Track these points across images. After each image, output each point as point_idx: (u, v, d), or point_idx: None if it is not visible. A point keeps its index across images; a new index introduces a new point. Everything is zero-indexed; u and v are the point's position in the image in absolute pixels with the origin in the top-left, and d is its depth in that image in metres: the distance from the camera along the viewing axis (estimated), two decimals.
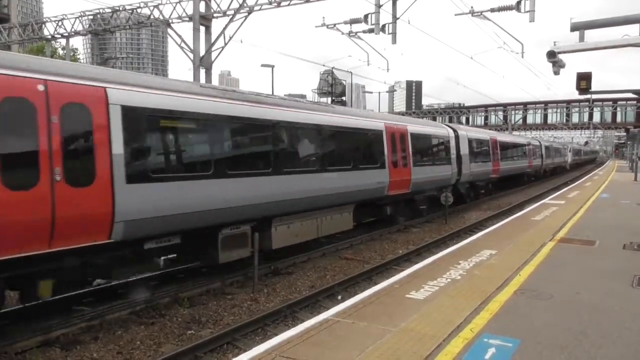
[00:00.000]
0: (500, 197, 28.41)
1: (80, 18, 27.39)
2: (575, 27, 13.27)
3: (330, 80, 35.58)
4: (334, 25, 21.28)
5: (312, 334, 5.63)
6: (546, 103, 75.76)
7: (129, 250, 8.23)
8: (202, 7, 21.78)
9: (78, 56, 49.32)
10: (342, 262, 12.42)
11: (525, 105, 75.47)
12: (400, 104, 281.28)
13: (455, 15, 20.17)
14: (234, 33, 21.80)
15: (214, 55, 22.05)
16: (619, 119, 74.91)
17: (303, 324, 6.08)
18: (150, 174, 8.00)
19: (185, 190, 8.52)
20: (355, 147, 13.88)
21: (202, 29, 22.06)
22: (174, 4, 22.68)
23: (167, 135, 8.63)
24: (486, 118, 79.78)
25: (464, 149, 21.87)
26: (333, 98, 35.40)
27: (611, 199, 20.68)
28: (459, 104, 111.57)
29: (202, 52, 21.81)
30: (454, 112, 76.89)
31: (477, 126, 66.45)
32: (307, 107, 12.39)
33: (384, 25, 19.44)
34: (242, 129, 10.07)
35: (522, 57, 23.95)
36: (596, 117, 74.75)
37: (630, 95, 44.12)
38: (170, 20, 22.97)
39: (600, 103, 70.26)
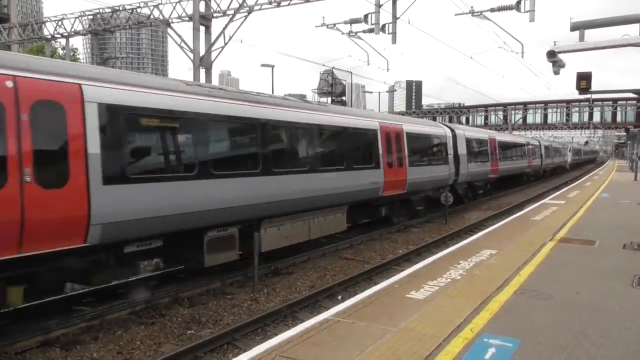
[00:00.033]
0: (500, 197, 28.41)
1: (80, 18, 27.41)
2: (575, 27, 13.27)
3: (330, 80, 35.60)
4: (334, 25, 21.27)
5: (312, 334, 5.63)
6: (546, 103, 75.75)
7: (108, 255, 7.97)
8: (202, 7, 21.79)
9: (78, 56, 49.34)
10: (342, 262, 12.42)
11: (525, 105, 75.46)
12: (400, 104, 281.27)
13: (455, 15, 20.18)
14: (234, 33, 21.82)
15: (213, 55, 22.05)
16: (619, 118, 74.89)
17: (303, 324, 6.08)
18: (130, 175, 7.70)
19: (167, 191, 8.23)
20: (348, 147, 13.53)
21: (202, 28, 22.07)
22: (174, 4, 22.70)
23: (148, 135, 8.35)
24: (486, 118, 79.74)
25: (462, 149, 21.64)
26: (333, 98, 35.41)
27: (611, 199, 20.67)
28: (459, 104, 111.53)
29: (202, 52, 21.82)
30: (454, 112, 76.87)
31: (477, 126, 66.48)
32: (297, 106, 12.08)
33: (384, 25, 19.43)
34: (228, 128, 9.80)
35: (522, 57, 23.96)
36: (596, 117, 74.72)
37: (630, 95, 44.10)
38: (170, 20, 22.98)
39: (600, 103, 70.23)
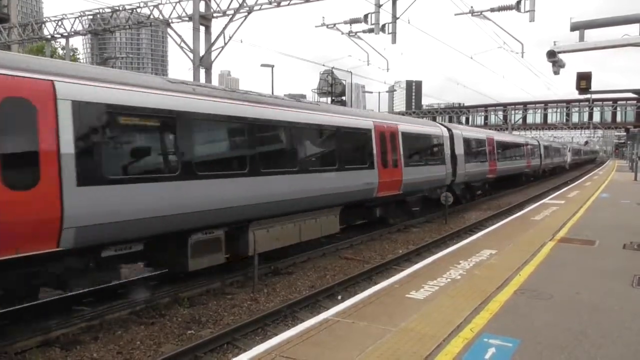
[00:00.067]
0: (499, 197, 28.41)
1: (80, 18, 27.40)
2: (575, 27, 13.28)
3: (330, 80, 35.61)
4: (334, 25, 21.28)
5: (312, 334, 5.63)
6: (546, 103, 75.77)
7: (84, 259, 7.65)
8: (201, 7, 21.79)
9: (78, 56, 49.33)
10: (342, 262, 12.42)
11: (525, 105, 75.46)
12: (400, 104, 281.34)
13: (455, 15, 20.19)
14: (234, 33, 21.81)
15: (213, 55, 22.06)
16: (619, 118, 74.90)
17: (303, 324, 6.08)
18: (107, 176, 7.35)
19: (147, 193, 7.89)
20: (340, 147, 13.19)
21: (202, 28, 22.07)
22: (174, 4, 22.70)
23: (127, 134, 7.96)
24: (486, 118, 79.74)
25: (459, 149, 21.42)
26: (333, 98, 35.43)
27: (611, 199, 20.67)
28: (459, 103, 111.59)
29: (202, 52, 21.82)
30: (454, 112, 76.87)
31: (477, 126, 66.46)
32: (287, 104, 11.73)
33: (383, 25, 19.44)
34: (212, 127, 9.49)
35: (522, 57, 23.98)
36: (596, 117, 74.73)
37: (630, 95, 44.12)
38: (170, 20, 22.98)
39: (600, 103, 70.23)
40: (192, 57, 21.78)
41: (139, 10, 25.05)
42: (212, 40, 22.03)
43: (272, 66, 35.24)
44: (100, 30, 27.41)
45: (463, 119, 78.62)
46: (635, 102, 67.02)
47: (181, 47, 22.16)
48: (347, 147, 13.54)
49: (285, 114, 11.22)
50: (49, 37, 29.60)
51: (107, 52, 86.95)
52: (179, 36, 22.28)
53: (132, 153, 8.07)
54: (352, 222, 15.51)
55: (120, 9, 25.52)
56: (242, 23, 21.39)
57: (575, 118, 74.83)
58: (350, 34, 21.09)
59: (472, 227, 17.28)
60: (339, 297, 9.39)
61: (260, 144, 10.51)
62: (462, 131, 22.91)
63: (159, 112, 8.24)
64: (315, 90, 37.24)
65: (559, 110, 75.05)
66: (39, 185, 6.50)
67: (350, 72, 37.02)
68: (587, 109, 70.91)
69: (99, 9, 26.15)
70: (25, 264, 6.62)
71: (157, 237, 8.42)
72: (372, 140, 14.57)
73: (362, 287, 9.72)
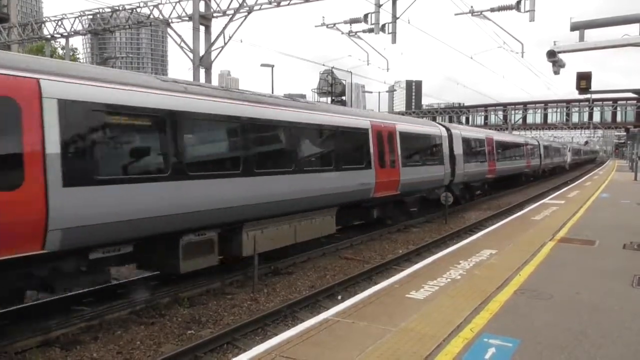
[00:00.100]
0: (499, 197, 28.41)
1: (79, 18, 27.42)
2: (575, 27, 13.28)
3: (330, 80, 35.63)
4: (334, 25, 21.29)
5: (312, 334, 5.63)
6: (546, 103, 75.78)
7: (71, 261, 7.43)
8: (201, 7, 21.79)
9: (78, 56, 49.35)
10: (342, 262, 12.42)
11: (525, 105, 75.47)
12: (400, 104, 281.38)
13: (455, 15, 20.20)
14: (234, 33, 21.81)
15: (213, 54, 22.06)
16: (619, 118, 74.90)
17: (303, 324, 6.08)
18: (94, 176, 7.15)
19: (136, 193, 7.70)
20: (336, 146, 12.99)
21: (202, 28, 22.08)
22: (174, 4, 22.71)
23: (115, 133, 7.76)
24: (486, 118, 79.75)
25: (458, 149, 21.27)
26: (333, 98, 35.45)
27: (611, 199, 20.68)
28: (459, 103, 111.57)
29: (202, 51, 21.82)
30: (454, 112, 76.88)
31: (477, 126, 66.48)
32: (282, 103, 11.52)
33: (383, 25, 19.44)
34: (204, 126, 9.29)
35: (522, 56, 23.98)
36: (596, 117, 74.74)
37: (630, 94, 44.13)
38: (170, 20, 22.99)
39: (600, 103, 70.23)
40: (192, 57, 21.78)
41: (139, 10, 25.06)
42: (212, 40, 22.03)
43: (272, 66, 35.25)
44: (100, 30, 27.43)
45: (463, 118, 78.63)
46: (635, 102, 67.04)
47: (181, 47, 22.17)
48: (344, 146, 13.35)
49: (280, 113, 11.05)
50: (49, 37, 29.61)
51: (107, 52, 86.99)
52: (179, 36, 22.31)
53: (120, 153, 7.88)
54: (349, 222, 15.29)
55: (120, 8, 25.53)
56: (242, 23, 21.40)
57: (575, 118, 74.84)
58: (350, 34, 21.10)
59: (472, 227, 17.28)
60: (339, 297, 9.39)
61: (254, 143, 10.31)
62: (461, 131, 22.78)
63: (149, 111, 8.07)
64: (315, 90, 37.26)
65: (559, 110, 75.07)
66: (23, 185, 6.33)
67: (350, 72, 37.04)
68: (587, 109, 70.93)
69: (98, 8, 26.19)
70: (8, 267, 6.43)
71: (147, 238, 8.23)
72: (369, 140, 14.39)
73: (362, 287, 9.72)
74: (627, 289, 7.40)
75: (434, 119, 61.32)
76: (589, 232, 12.21)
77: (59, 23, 28.23)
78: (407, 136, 16.70)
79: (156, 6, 23.54)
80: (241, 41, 33.06)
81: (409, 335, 5.51)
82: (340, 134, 13.16)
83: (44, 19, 31.01)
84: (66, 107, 6.83)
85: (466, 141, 22.54)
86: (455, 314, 6.20)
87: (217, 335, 7.35)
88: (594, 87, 15.90)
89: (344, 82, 37.95)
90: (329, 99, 35.28)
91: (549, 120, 78.15)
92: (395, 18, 19.18)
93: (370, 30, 19.95)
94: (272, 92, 30.11)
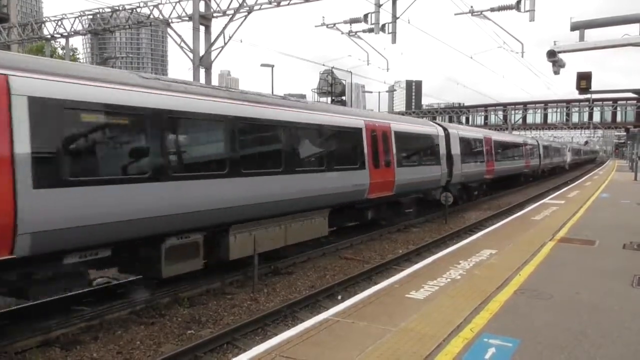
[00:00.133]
0: (499, 197, 28.41)
1: (79, 18, 27.43)
2: (575, 27, 13.28)
3: (330, 80, 35.65)
4: (334, 24, 21.28)
5: (312, 333, 5.63)
6: (546, 103, 75.79)
7: (45, 266, 7.07)
8: (201, 7, 21.80)
9: (78, 56, 49.35)
10: (342, 262, 12.42)
11: (525, 105, 75.48)
12: (400, 104, 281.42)
13: (455, 14, 20.19)
14: (234, 33, 21.82)
15: (213, 54, 22.06)
16: (619, 118, 74.91)
17: (303, 324, 6.08)
18: (68, 177, 6.79)
19: (113, 195, 7.36)
20: (328, 146, 12.66)
21: (202, 28, 22.08)
22: (174, 4, 22.72)
23: (91, 132, 7.41)
24: (486, 118, 79.76)
25: (455, 149, 21.02)
26: (333, 98, 35.47)
27: (611, 199, 20.68)
28: (459, 103, 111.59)
29: (202, 51, 21.83)
30: (454, 112, 76.90)
31: (477, 126, 66.48)
32: (272, 102, 11.16)
33: (383, 25, 19.43)
34: (188, 125, 8.89)
35: (522, 56, 23.97)
36: (596, 117, 74.74)
37: (630, 94, 44.13)
38: (169, 20, 22.99)
39: (600, 103, 70.24)
40: (192, 57, 21.78)
41: (138, 10, 25.07)
42: (212, 40, 22.04)
43: (272, 66, 35.24)
44: (100, 30, 27.43)
45: (463, 118, 78.64)
46: (635, 102, 67.05)
47: (181, 47, 22.17)
48: (335, 146, 13.05)
49: (269, 111, 10.73)
50: (49, 37, 29.62)
51: (107, 52, 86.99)
52: (179, 36, 22.32)
53: (96, 153, 7.53)
54: (343, 224, 14.93)
55: (120, 8, 25.54)
56: (242, 23, 21.41)
57: (575, 118, 74.85)
58: (350, 34, 21.10)
59: (472, 227, 17.28)
60: (339, 297, 9.39)
61: (241, 143, 9.96)
62: (459, 130, 22.55)
63: (128, 110, 7.73)
64: (315, 90, 37.29)
65: (559, 110, 75.07)
66: None
67: (350, 72, 37.03)
68: (587, 108, 70.94)
69: (98, 8, 26.20)
70: None
71: (127, 241, 7.93)
72: (362, 139, 14.07)
73: (362, 287, 9.72)
74: (627, 289, 7.40)
75: (434, 119, 61.29)
76: (589, 232, 12.21)
77: (59, 23, 28.25)
78: (402, 136, 16.38)
79: (156, 6, 23.56)
80: (241, 41, 33.08)
81: (409, 335, 5.51)
82: (331, 134, 12.86)
83: (44, 19, 31.02)
84: (37, 104, 6.49)
85: (464, 141, 22.31)
86: (455, 314, 6.20)
87: (217, 335, 7.35)
88: (594, 87, 15.90)
89: (344, 82, 37.98)
90: (329, 99, 35.30)
91: (549, 120, 78.17)
92: (395, 18, 19.18)
93: (370, 30, 19.95)
94: (272, 92, 30.10)
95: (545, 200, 21.21)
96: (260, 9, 20.99)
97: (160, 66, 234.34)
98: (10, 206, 6.17)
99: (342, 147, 13.42)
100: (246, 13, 21.13)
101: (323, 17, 21.51)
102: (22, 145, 6.31)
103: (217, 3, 21.70)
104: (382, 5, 19.14)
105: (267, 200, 10.35)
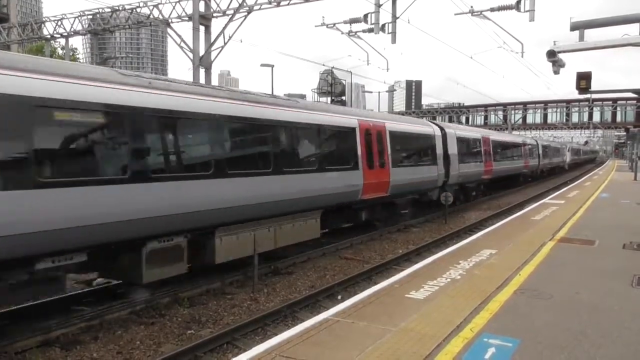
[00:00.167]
0: (499, 197, 28.42)
1: (79, 18, 27.41)
2: (575, 27, 13.29)
3: (330, 79, 35.67)
4: (334, 24, 21.29)
5: (312, 333, 5.63)
6: (546, 103, 75.82)
7: (14, 272, 6.74)
8: (201, 7, 21.79)
9: (77, 56, 49.34)
10: (342, 262, 12.42)
11: (525, 105, 75.50)
12: (400, 104, 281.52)
13: (455, 14, 20.20)
14: (234, 33, 21.81)
15: (213, 54, 22.06)
16: (618, 118, 74.95)
17: (303, 324, 6.08)
18: (36, 178, 6.46)
19: (86, 197, 7.00)
20: (320, 146, 12.42)
21: (202, 28, 22.07)
22: (174, 4, 22.71)
23: (60, 131, 7.02)
24: (486, 118, 79.79)
25: (452, 149, 20.83)
26: (333, 98, 35.48)
27: (611, 199, 20.69)
28: (459, 103, 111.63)
29: (202, 51, 21.82)
30: (454, 112, 76.92)
31: (477, 126, 66.46)
32: (261, 101, 10.83)
33: (383, 25, 19.42)
34: (171, 123, 8.54)
35: (522, 56, 23.98)
36: (596, 117, 74.79)
37: (630, 94, 44.16)
38: (169, 20, 22.98)
39: (600, 103, 70.30)
40: (191, 57, 21.78)
41: (138, 10, 25.06)
42: (212, 40, 22.03)
43: (272, 66, 35.26)
44: (99, 30, 27.43)
45: (463, 118, 78.68)
46: (635, 102, 67.08)
47: (181, 47, 22.17)
48: (328, 146, 12.83)
49: (255, 110, 10.39)
50: (49, 37, 29.60)
51: (107, 52, 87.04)
52: (179, 36, 22.31)
53: (66, 153, 7.14)
54: (336, 225, 14.56)
55: (120, 8, 25.53)
56: (241, 23, 21.40)
57: (575, 118, 74.90)
58: (350, 34, 21.10)
59: (472, 227, 17.28)
60: (339, 297, 9.39)
61: (228, 142, 9.75)
62: (456, 130, 22.40)
63: (105, 107, 7.41)
64: (315, 90, 37.31)
65: (558, 110, 75.12)
66: None
67: (350, 72, 37.04)
68: (587, 108, 70.98)
69: (98, 8, 26.19)
70: None
71: (105, 245, 7.63)
72: (356, 139, 13.75)
73: (362, 287, 9.72)
74: (627, 289, 7.40)
75: (434, 119, 61.26)
76: (589, 232, 12.21)
77: (59, 23, 28.24)
78: (397, 135, 16.14)
79: (156, 6, 23.55)
80: (241, 41, 33.02)
81: (408, 335, 5.51)
82: (323, 133, 12.63)
83: (44, 19, 30.99)
84: (3, 102, 6.17)
85: (461, 141, 22.15)
86: (455, 313, 6.21)
87: (217, 335, 7.35)
88: (593, 87, 15.92)
89: (343, 82, 38.01)
90: (329, 98, 35.32)
91: (548, 120, 78.22)
92: (395, 18, 19.18)
93: (370, 30, 19.95)
94: (272, 92, 30.08)
95: (545, 200, 21.22)
96: (260, 9, 21.00)
97: (160, 66, 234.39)
98: None
99: (335, 146, 13.23)
100: (246, 13, 21.13)
101: (323, 17, 21.55)
102: None
103: (217, 3, 21.71)
104: (382, 5, 19.14)
105: (255, 201, 10.05)
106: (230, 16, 21.33)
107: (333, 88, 35.64)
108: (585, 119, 74.10)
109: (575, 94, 19.67)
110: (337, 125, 13.21)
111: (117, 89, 7.65)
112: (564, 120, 75.29)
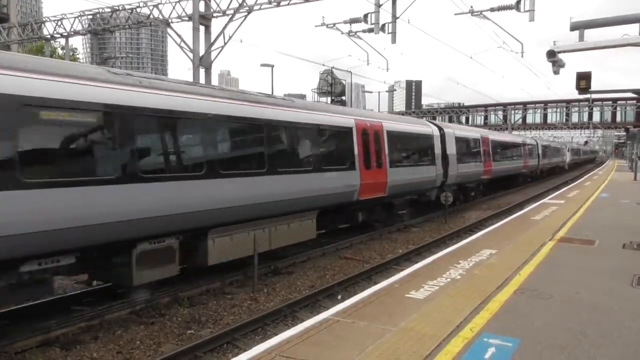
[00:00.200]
0: (499, 197, 28.43)
1: (79, 18, 27.41)
2: (575, 27, 13.29)
3: (330, 79, 35.66)
4: (334, 24, 21.29)
5: (312, 333, 5.63)
6: (546, 103, 75.80)
7: None
8: (201, 7, 21.79)
9: (77, 56, 49.33)
10: (342, 262, 12.43)
11: (525, 105, 75.48)
12: (400, 104, 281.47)
13: (455, 14, 20.21)
14: (234, 32, 21.80)
15: (213, 54, 22.06)
16: (618, 118, 74.93)
17: (303, 324, 6.08)
18: (21, 179, 6.27)
19: (72, 198, 6.82)
20: (315, 146, 12.26)
21: (202, 28, 22.07)
22: (174, 4, 22.71)
23: (46, 130, 6.84)
24: (486, 118, 79.77)
25: (451, 148, 20.72)
26: (333, 98, 35.47)
27: (611, 199, 20.69)
28: (459, 103, 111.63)
29: (202, 51, 21.82)
30: (454, 112, 76.92)
31: (477, 126, 66.44)
32: (254, 100, 10.65)
33: (383, 25, 19.43)
34: (162, 122, 8.35)
35: (522, 56, 24.00)
36: (596, 117, 74.77)
37: (630, 94, 44.17)
38: (169, 20, 22.99)
39: (600, 103, 70.25)
40: (191, 57, 21.78)
41: (138, 10, 25.05)
42: (212, 40, 22.03)
43: (272, 66, 35.25)
44: (99, 30, 27.43)
45: (463, 118, 78.66)
46: (635, 102, 67.08)
47: (181, 47, 22.17)
48: (323, 146, 12.67)
49: (248, 109, 10.21)
50: (49, 37, 29.60)
51: (107, 52, 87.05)
52: (179, 36, 22.31)
53: (52, 153, 6.93)
54: (333, 226, 14.49)
55: (120, 8, 25.53)
56: (241, 23, 21.40)
57: (575, 118, 74.89)
58: (350, 34, 21.10)
59: (472, 227, 17.29)
60: (339, 297, 9.39)
61: (219, 142, 9.60)
62: (455, 130, 22.25)
63: (93, 106, 7.24)
64: (315, 90, 37.30)
65: (558, 110, 75.10)
66: None
67: (350, 72, 37.02)
68: (587, 108, 70.96)
69: (98, 8, 26.18)
70: None
71: (93, 247, 7.48)
72: (353, 139, 13.59)
73: (362, 287, 9.72)
74: (627, 289, 7.40)
75: (434, 119, 61.27)
76: (589, 231, 12.22)
77: (59, 23, 28.23)
78: (395, 135, 15.98)
79: (156, 6, 23.55)
80: (241, 41, 33.01)
81: (408, 335, 5.51)
82: (319, 133, 12.48)
83: (44, 19, 30.99)
84: None
85: (460, 141, 22.02)
86: (455, 313, 6.21)
87: (217, 335, 7.35)
88: (593, 87, 15.92)
89: (343, 82, 38.00)
90: (329, 98, 35.31)
91: (548, 120, 78.21)
92: (395, 18, 19.18)
93: (370, 30, 19.95)
94: (272, 92, 30.08)
95: (545, 200, 21.22)
96: (260, 9, 21.00)
97: (160, 66, 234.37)
98: None
99: (331, 146, 13.10)
100: (246, 13, 21.13)
101: (323, 17, 21.55)
102: None
103: (217, 3, 21.71)
104: (382, 5, 19.14)
105: (249, 202, 9.88)
106: (230, 16, 21.33)
107: (333, 88, 35.63)
108: (585, 119, 74.10)
109: (575, 94, 19.67)
110: (333, 124, 13.06)
111: (105, 88, 7.45)
112: (564, 120, 75.28)
